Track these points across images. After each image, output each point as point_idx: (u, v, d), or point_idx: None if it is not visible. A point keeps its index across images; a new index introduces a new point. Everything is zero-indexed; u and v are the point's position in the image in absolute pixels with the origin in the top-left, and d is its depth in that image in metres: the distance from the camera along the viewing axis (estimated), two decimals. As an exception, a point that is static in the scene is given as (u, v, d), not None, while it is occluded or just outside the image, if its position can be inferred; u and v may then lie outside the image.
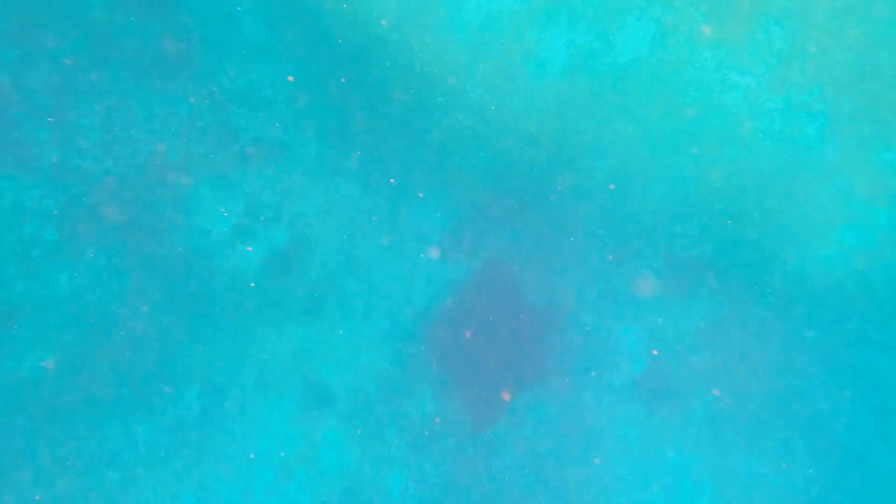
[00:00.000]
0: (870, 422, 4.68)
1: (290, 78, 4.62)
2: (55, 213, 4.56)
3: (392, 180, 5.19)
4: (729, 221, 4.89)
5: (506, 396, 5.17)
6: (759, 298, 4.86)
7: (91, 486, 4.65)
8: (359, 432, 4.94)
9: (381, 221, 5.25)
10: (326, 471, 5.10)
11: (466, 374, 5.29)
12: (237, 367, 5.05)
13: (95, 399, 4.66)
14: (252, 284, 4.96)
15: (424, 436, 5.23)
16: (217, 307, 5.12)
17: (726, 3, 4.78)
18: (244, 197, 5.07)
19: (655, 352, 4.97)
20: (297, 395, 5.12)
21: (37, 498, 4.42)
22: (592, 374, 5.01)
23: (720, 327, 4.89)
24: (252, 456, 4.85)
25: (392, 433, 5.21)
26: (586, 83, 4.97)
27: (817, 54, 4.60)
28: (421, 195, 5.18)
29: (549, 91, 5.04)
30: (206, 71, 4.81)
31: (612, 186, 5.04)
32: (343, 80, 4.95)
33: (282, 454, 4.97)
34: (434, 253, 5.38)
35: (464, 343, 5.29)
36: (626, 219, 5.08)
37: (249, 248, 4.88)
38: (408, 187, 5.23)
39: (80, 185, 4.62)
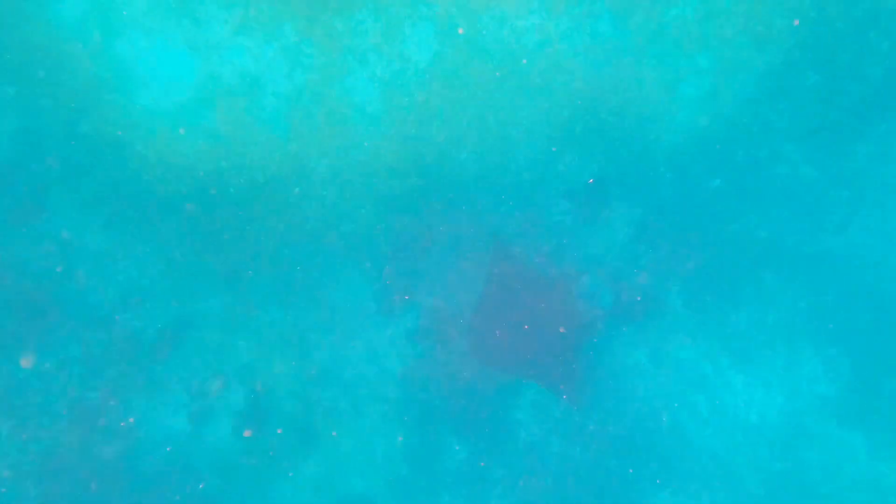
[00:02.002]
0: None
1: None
2: None
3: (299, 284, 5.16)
4: (597, 134, 5.13)
5: (517, 395, 5.16)
6: (657, 180, 5.10)
7: None
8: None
9: (314, 326, 5.19)
10: (410, 570, 4.93)
11: (474, 398, 5.26)
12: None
13: None
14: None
15: (474, 477, 5.15)
16: (223, 497, 4.90)
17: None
18: (180, 385, 4.90)
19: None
20: (341, 523, 4.94)
21: None
22: (590, 331, 5.08)
23: (645, 222, 5.09)
24: None
25: (445, 496, 5.10)
26: (407, 100, 5.13)
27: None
28: (332, 280, 5.17)
29: (383, 125, 5.16)
30: (67, 322, 4.65)
31: (484, 167, 5.20)
32: (198, 219, 4.90)
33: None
34: (378, 314, 5.36)
35: (455, 372, 5.27)
36: (515, 184, 5.23)
37: None
38: (319, 281, 5.21)
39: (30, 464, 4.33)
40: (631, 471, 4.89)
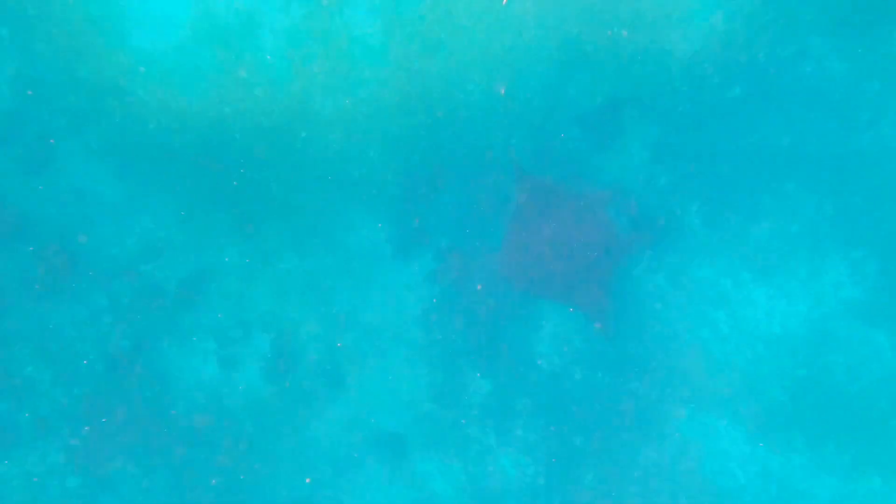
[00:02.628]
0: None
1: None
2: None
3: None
4: (608, 52, 4.91)
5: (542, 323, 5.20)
6: (673, 94, 4.90)
7: None
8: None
9: (331, 272, 5.19)
10: None
11: (494, 334, 5.31)
12: (301, 487, 5.00)
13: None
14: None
15: (500, 413, 5.24)
16: (259, 437, 5.08)
17: None
18: (208, 331, 5.00)
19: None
20: (374, 461, 5.09)
21: None
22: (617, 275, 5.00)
23: (662, 141, 4.93)
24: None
25: (472, 428, 5.23)
26: (409, 31, 4.92)
27: None
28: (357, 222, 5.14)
29: (385, 59, 4.97)
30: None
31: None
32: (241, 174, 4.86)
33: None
34: (395, 258, 5.36)
35: (474, 310, 5.30)
36: (526, 112, 5.07)
37: None
38: (332, 227, 5.17)
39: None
40: (647, 387, 4.95)
